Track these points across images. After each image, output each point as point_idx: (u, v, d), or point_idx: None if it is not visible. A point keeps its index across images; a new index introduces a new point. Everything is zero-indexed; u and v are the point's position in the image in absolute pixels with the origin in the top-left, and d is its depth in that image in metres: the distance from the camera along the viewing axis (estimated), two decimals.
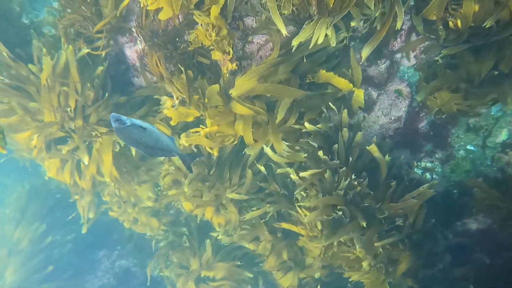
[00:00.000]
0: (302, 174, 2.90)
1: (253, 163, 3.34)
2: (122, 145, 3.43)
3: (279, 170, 3.16)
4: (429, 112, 3.03)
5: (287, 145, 3.01)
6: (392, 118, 3.07)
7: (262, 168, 3.26)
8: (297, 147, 3.03)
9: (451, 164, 3.27)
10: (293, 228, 3.30)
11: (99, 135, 3.34)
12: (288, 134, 3.03)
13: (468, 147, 3.26)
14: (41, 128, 3.39)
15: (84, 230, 4.13)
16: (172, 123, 3.01)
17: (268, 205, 3.24)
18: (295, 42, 2.55)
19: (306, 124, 2.89)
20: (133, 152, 3.54)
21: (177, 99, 2.90)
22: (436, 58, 2.73)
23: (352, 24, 2.55)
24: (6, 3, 3.81)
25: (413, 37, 2.84)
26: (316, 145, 2.89)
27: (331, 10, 2.37)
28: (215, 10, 2.63)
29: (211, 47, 2.87)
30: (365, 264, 2.95)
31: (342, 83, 2.85)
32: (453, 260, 3.25)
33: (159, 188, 3.89)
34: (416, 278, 3.03)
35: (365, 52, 2.65)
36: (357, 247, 2.82)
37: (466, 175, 3.30)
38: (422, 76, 2.99)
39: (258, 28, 2.81)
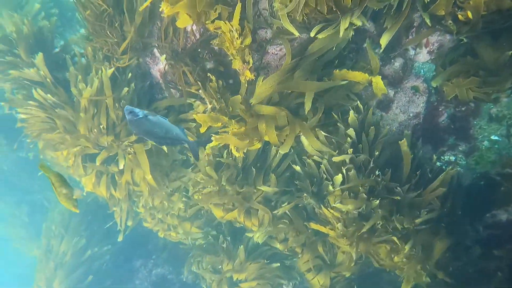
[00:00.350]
0: (335, 158, 2.98)
1: (276, 166, 3.45)
2: (154, 144, 3.63)
3: (315, 158, 3.22)
4: (445, 97, 3.02)
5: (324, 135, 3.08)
6: (411, 114, 3.10)
7: (298, 168, 3.33)
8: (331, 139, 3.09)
9: (475, 156, 3.25)
10: (322, 229, 3.37)
11: (130, 144, 3.57)
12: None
13: (492, 137, 3.24)
14: (77, 143, 3.66)
15: (120, 238, 4.38)
16: (202, 129, 3.15)
17: (305, 195, 3.30)
18: (322, 36, 2.63)
19: (351, 113, 2.98)
20: (165, 149, 3.72)
21: (210, 104, 3.04)
22: (461, 37, 2.72)
23: (376, 7, 2.60)
24: (40, 31, 4.17)
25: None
26: (353, 138, 2.96)
27: (351, 6, 2.45)
28: (237, 17, 2.75)
29: (230, 58, 3.02)
30: (408, 247, 2.97)
31: (358, 76, 2.90)
32: (484, 253, 3.21)
33: (189, 195, 4.08)
34: (446, 271, 3.03)
35: (384, 39, 2.70)
36: (396, 224, 2.87)
37: (491, 166, 3.27)
38: (439, 62, 2.98)
39: (272, 38, 2.95)
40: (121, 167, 3.56)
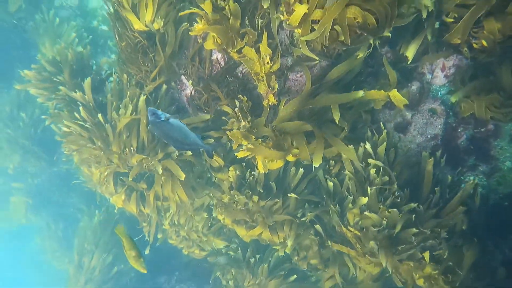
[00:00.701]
0: (371, 160, 3.06)
1: (295, 186, 3.56)
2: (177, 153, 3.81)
3: (347, 173, 3.27)
4: (462, 114, 3.07)
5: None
6: (429, 136, 3.18)
7: (330, 184, 3.41)
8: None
9: (496, 176, 3.26)
10: (343, 249, 3.42)
11: (158, 164, 3.78)
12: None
13: None
14: (111, 157, 3.90)
15: (146, 251, 4.57)
16: (234, 146, 3.29)
17: (331, 207, 3.35)
18: (361, 54, 2.78)
19: (385, 132, 3.06)
20: (189, 154, 3.86)
21: (244, 121, 3.18)
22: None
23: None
24: (81, 58, 4.57)
25: (441, 59, 2.99)
26: (382, 157, 3.05)
27: (378, 27, 2.55)
28: (265, 42, 2.91)
29: (255, 82, 3.20)
30: (445, 251, 2.97)
31: (375, 94, 3.00)
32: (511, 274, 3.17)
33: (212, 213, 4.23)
34: None
35: (411, 50, 2.78)
36: (429, 231, 2.91)
37: None
38: (459, 78, 3.02)
39: (293, 65, 3.13)
40: (160, 172, 3.71)
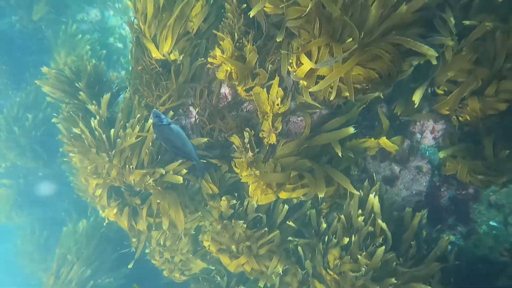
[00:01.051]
0: (373, 200, 3.19)
1: (283, 221, 3.70)
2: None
3: (342, 218, 3.38)
4: (444, 172, 3.26)
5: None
6: (414, 191, 3.38)
7: (324, 225, 3.52)
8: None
9: (473, 239, 3.44)
10: None
11: (154, 185, 3.90)
12: None
13: (491, 223, 3.44)
14: (110, 169, 4.01)
15: (130, 266, 4.60)
16: (240, 174, 3.44)
17: (320, 243, 3.44)
18: (386, 91, 2.94)
19: (378, 184, 3.23)
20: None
21: (252, 153, 3.31)
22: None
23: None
24: (97, 70, 4.79)
25: (431, 122, 3.25)
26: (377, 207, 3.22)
27: (382, 83, 2.71)
28: (276, 84, 3.09)
29: (260, 120, 3.40)
30: None
31: (366, 142, 3.21)
32: None
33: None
34: None
35: (417, 95, 2.89)
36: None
37: (489, 250, 3.44)
38: (448, 139, 3.21)
39: (296, 109, 3.37)
40: (163, 172, 3.79)
